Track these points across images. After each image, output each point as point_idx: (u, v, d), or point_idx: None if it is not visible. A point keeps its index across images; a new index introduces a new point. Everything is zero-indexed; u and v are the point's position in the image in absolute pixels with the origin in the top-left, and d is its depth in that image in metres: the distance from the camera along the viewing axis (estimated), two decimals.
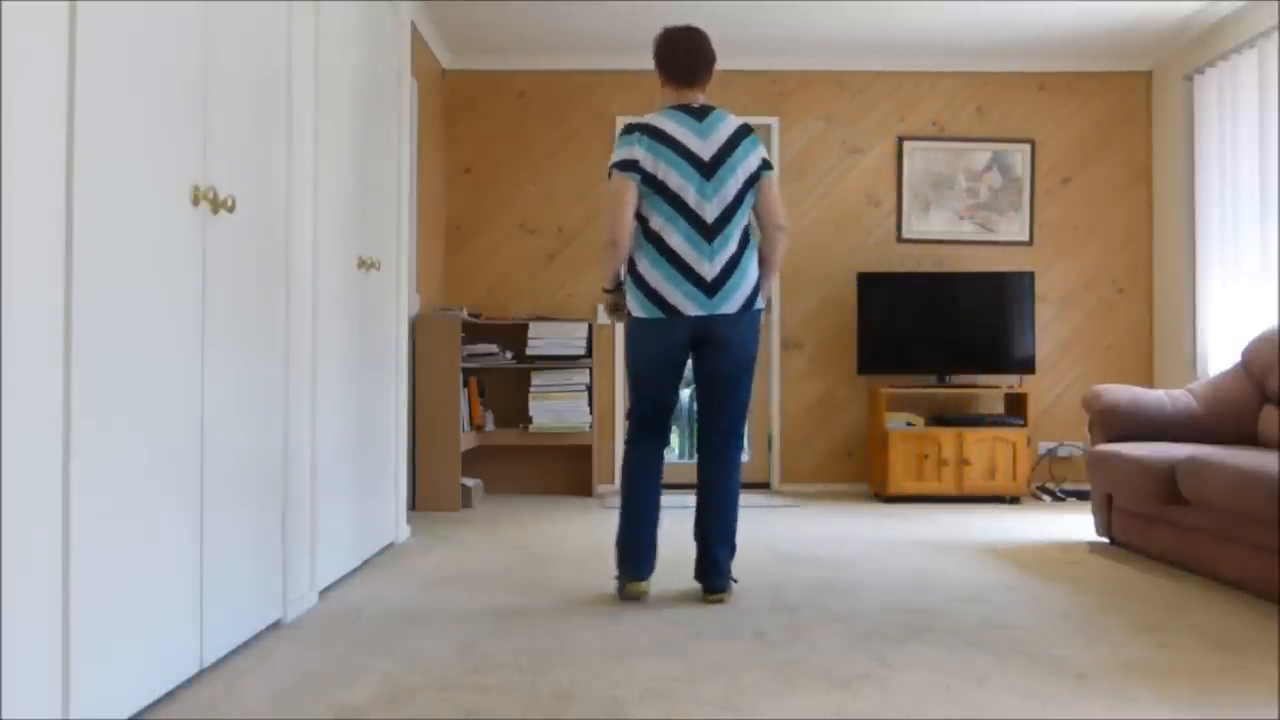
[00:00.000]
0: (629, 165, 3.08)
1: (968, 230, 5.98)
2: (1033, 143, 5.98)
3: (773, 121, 5.97)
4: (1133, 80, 6.01)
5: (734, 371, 3.13)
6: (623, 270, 3.17)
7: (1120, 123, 6.00)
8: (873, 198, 5.99)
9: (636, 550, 3.12)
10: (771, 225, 3.17)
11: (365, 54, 3.59)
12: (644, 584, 3.13)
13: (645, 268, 3.09)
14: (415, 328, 5.02)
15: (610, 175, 3.13)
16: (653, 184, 3.07)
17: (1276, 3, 4.72)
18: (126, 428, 1.95)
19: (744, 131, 3.14)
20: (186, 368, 2.20)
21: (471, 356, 5.48)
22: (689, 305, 3.05)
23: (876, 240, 5.98)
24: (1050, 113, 5.99)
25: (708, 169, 3.07)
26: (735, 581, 3.21)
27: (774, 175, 3.18)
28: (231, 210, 2.36)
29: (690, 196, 3.06)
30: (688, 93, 3.18)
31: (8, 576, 1.60)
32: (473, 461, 5.78)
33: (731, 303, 3.07)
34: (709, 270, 3.05)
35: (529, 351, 5.58)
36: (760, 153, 3.15)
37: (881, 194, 5.99)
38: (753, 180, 3.12)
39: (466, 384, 5.37)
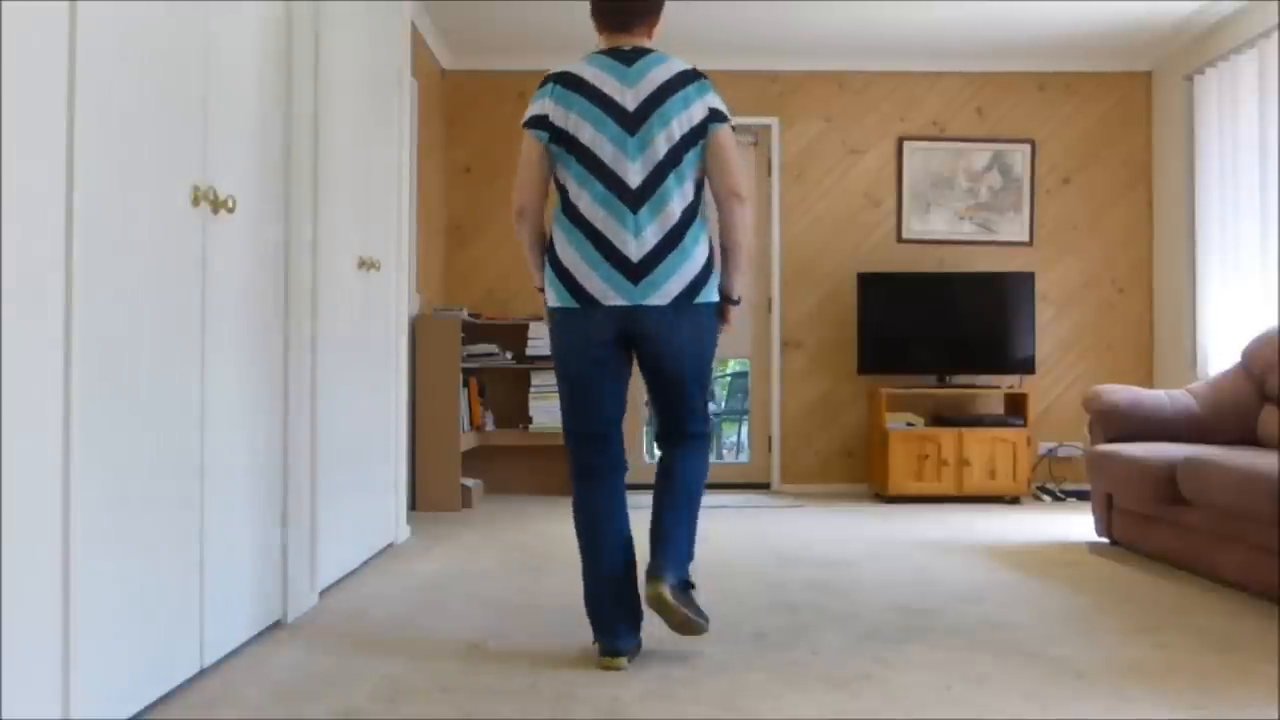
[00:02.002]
0: (536, 121, 2.51)
1: (968, 230, 5.97)
2: (1033, 143, 5.98)
3: (773, 121, 5.97)
4: (1133, 80, 6.01)
5: (676, 375, 2.53)
6: None
7: (1120, 123, 6.00)
8: (873, 198, 5.99)
9: (608, 612, 2.46)
10: (725, 192, 2.51)
11: (365, 54, 3.59)
12: (620, 659, 2.41)
13: (561, 244, 2.51)
14: (415, 328, 5.02)
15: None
16: (563, 140, 2.48)
17: (1276, 3, 4.72)
18: (126, 428, 1.96)
19: (688, 77, 2.50)
20: (187, 367, 2.20)
21: (471, 356, 5.48)
22: (608, 292, 2.45)
23: (876, 240, 5.98)
24: (1050, 113, 5.99)
25: (632, 121, 2.46)
26: (693, 587, 2.53)
27: (727, 129, 2.51)
28: (231, 210, 2.36)
29: (607, 152, 2.46)
30: (622, 38, 2.58)
31: (8, 577, 1.60)
32: (473, 461, 5.78)
33: (662, 292, 2.44)
34: (635, 248, 2.44)
35: (529, 351, 5.58)
36: (709, 102, 2.50)
37: (881, 194, 5.99)
38: (695, 135, 2.47)
39: (466, 384, 5.37)
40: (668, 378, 2.54)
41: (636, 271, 2.45)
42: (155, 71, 2.06)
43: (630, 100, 2.47)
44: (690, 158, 2.49)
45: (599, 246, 2.47)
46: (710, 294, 2.53)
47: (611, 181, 2.46)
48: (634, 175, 2.46)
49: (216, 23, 2.34)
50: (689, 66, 2.54)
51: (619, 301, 2.46)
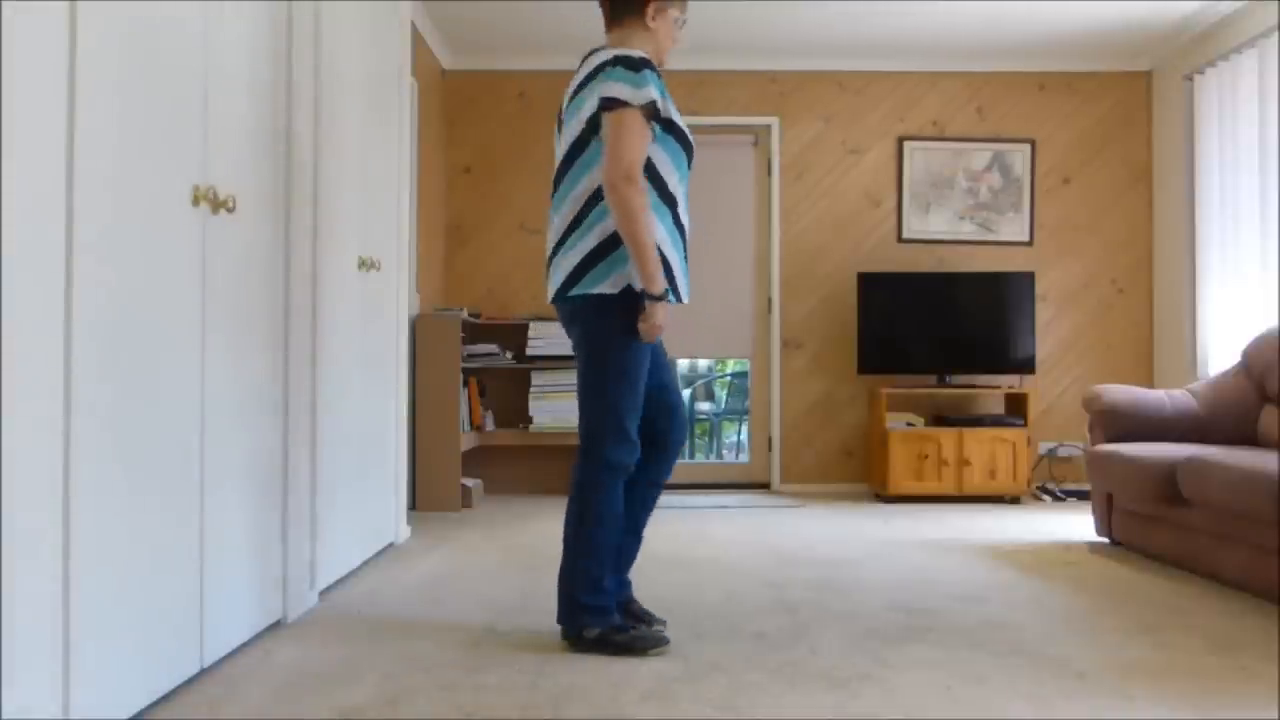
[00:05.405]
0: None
1: (968, 230, 5.97)
2: (1033, 143, 5.98)
3: (773, 121, 5.97)
4: (1133, 80, 6.01)
5: (577, 373, 2.60)
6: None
7: (1120, 123, 6.00)
8: (873, 198, 5.99)
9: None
10: (603, 179, 2.45)
11: (365, 54, 3.59)
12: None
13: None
14: (415, 328, 5.02)
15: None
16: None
17: (1276, 3, 4.72)
18: (126, 427, 1.96)
19: (601, 68, 2.48)
20: (187, 367, 2.20)
21: (471, 356, 5.48)
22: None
23: (876, 240, 5.98)
24: (1050, 113, 5.99)
25: (561, 124, 2.63)
26: (592, 637, 2.50)
27: (616, 114, 2.42)
28: (231, 210, 2.36)
29: (557, 162, 2.63)
30: (608, 38, 2.67)
31: (8, 577, 1.60)
32: (473, 461, 5.78)
33: (550, 286, 2.59)
34: (547, 246, 2.62)
35: (529, 351, 5.58)
36: (604, 90, 2.45)
37: (881, 194, 5.99)
38: (594, 127, 2.48)
39: (466, 384, 5.36)
40: (579, 370, 2.61)
41: (548, 267, 2.62)
42: (155, 71, 2.06)
43: (566, 100, 2.62)
44: (586, 153, 2.52)
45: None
46: (589, 285, 2.48)
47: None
48: (557, 177, 2.60)
49: (216, 23, 2.34)
50: (610, 56, 2.49)
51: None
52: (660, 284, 2.44)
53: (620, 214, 2.41)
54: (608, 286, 2.47)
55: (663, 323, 2.47)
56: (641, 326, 2.47)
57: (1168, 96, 5.81)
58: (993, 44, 5.71)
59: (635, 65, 2.45)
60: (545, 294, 5.87)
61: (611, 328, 2.49)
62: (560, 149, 2.61)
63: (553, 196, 2.63)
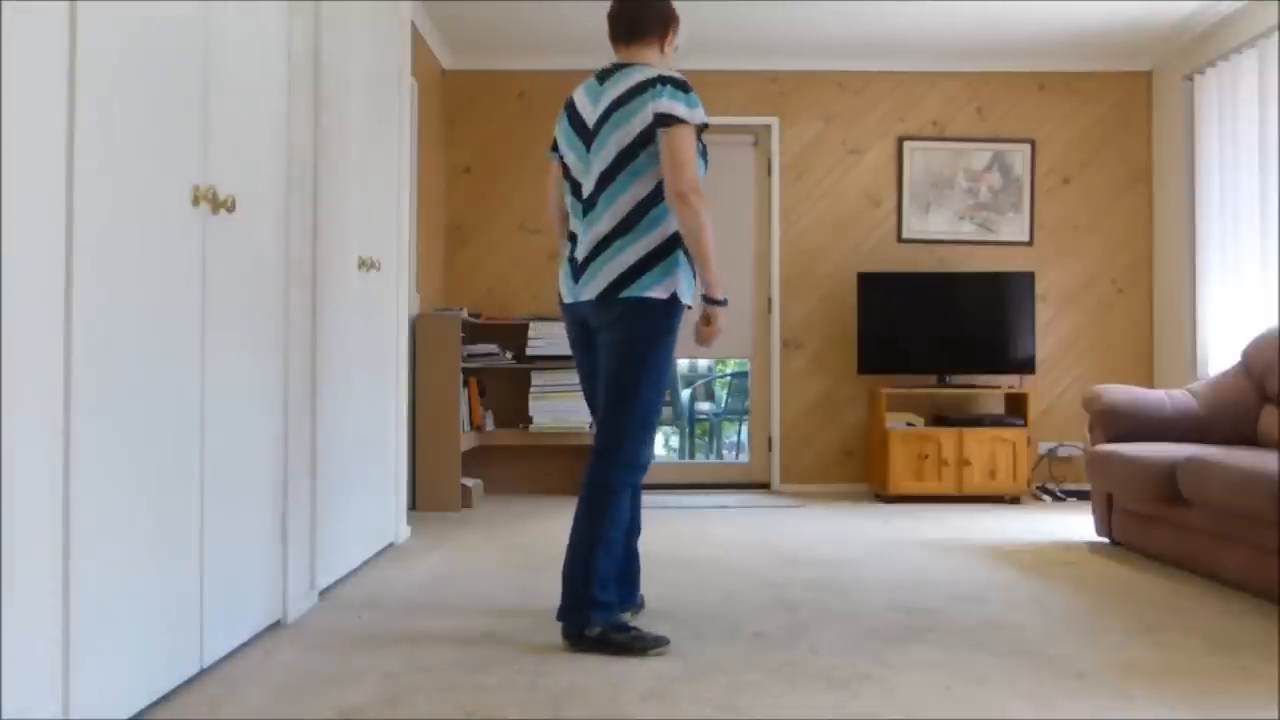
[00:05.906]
0: (554, 145, 2.80)
1: (968, 230, 5.97)
2: (1033, 143, 5.98)
3: (773, 121, 5.97)
4: (1133, 80, 6.01)
5: (605, 373, 2.66)
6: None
7: (1120, 123, 6.00)
8: (873, 198, 5.99)
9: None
10: (668, 194, 2.58)
11: (365, 54, 3.59)
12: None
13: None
14: (415, 328, 5.02)
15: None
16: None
17: (1276, 3, 4.72)
18: (127, 427, 1.96)
19: (648, 84, 2.61)
20: (187, 367, 2.21)
21: (471, 356, 5.48)
22: (565, 291, 2.76)
23: (876, 240, 5.98)
24: (1050, 113, 5.99)
25: (590, 134, 2.69)
26: (593, 635, 2.53)
27: (674, 131, 2.56)
28: (231, 210, 2.36)
29: (579, 170, 2.72)
30: (620, 53, 2.78)
31: (8, 577, 1.60)
32: (473, 461, 5.78)
33: (591, 287, 2.63)
34: (580, 249, 2.68)
35: (529, 351, 5.58)
36: (661, 106, 2.57)
37: (881, 194, 5.99)
38: (644, 140, 2.59)
39: (466, 384, 5.36)
40: (601, 371, 2.68)
41: (579, 270, 2.69)
42: (155, 71, 2.06)
43: (592, 116, 2.69)
44: (636, 164, 2.62)
45: (571, 253, 2.78)
46: (643, 288, 2.60)
47: (577, 192, 2.72)
48: (588, 184, 2.68)
49: (216, 23, 2.34)
50: (658, 74, 2.63)
51: (568, 299, 2.75)
52: (723, 290, 2.65)
53: (692, 223, 2.56)
54: (659, 291, 2.60)
55: (724, 328, 2.67)
56: (704, 330, 2.66)
57: (1168, 96, 5.81)
58: (992, 44, 5.71)
59: (684, 86, 2.63)
60: (545, 294, 5.93)
61: (656, 331, 2.62)
62: (601, 156, 2.65)
63: (594, 199, 2.67)
